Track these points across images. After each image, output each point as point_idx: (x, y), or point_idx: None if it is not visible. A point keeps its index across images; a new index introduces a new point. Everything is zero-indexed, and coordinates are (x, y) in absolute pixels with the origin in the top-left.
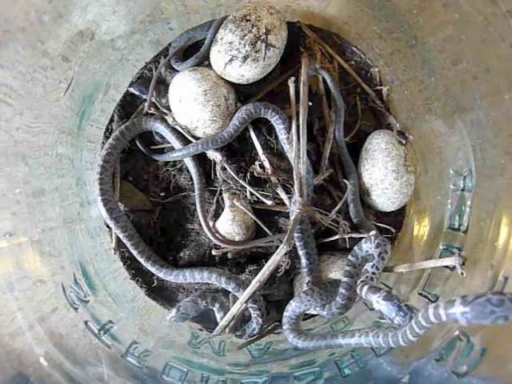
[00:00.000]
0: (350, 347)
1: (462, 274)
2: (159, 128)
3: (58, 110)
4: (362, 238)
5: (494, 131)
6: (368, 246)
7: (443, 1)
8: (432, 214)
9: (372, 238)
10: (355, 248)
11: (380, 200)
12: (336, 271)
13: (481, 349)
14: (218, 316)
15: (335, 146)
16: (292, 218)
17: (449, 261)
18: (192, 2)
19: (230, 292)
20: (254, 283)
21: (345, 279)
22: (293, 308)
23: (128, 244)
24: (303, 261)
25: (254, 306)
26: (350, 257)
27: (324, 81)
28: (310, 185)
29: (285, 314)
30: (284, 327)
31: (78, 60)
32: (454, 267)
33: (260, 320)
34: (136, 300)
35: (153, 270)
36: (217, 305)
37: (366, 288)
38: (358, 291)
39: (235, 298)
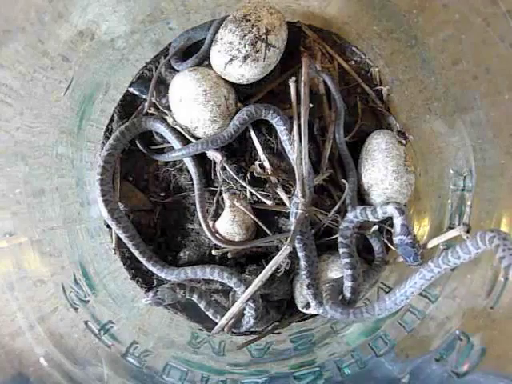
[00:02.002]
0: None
1: (467, 237)
2: (159, 128)
3: (58, 110)
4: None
5: (493, 131)
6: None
7: (443, 1)
8: (432, 214)
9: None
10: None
11: (380, 200)
12: (336, 270)
13: (481, 349)
14: (201, 305)
15: (335, 146)
16: (295, 219)
17: (453, 232)
18: (192, 1)
19: (229, 292)
20: (256, 283)
21: (349, 272)
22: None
23: (129, 244)
24: (302, 263)
25: (251, 305)
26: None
27: (324, 81)
28: (310, 186)
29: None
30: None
31: (78, 60)
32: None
33: (252, 321)
34: (136, 300)
35: (154, 270)
36: (195, 295)
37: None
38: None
39: (235, 298)
